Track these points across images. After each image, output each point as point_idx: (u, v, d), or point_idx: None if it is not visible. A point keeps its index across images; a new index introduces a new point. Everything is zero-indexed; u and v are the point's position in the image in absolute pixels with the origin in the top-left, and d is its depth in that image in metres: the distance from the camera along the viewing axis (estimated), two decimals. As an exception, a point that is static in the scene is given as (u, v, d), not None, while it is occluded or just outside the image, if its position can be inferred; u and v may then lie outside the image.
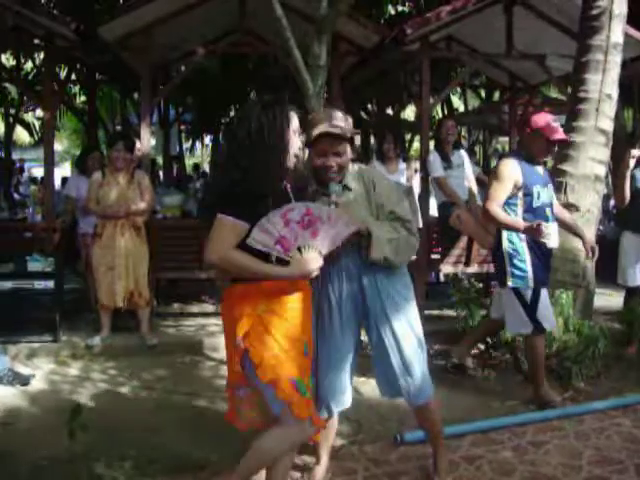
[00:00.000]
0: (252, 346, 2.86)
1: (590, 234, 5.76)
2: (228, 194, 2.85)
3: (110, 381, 5.50)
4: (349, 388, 3.54)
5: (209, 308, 7.24)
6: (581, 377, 5.18)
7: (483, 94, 16.53)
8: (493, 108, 13.26)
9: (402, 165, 6.71)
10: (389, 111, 14.76)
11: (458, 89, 17.22)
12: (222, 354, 6.12)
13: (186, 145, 22.04)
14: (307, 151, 3.32)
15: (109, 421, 4.54)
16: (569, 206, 5.66)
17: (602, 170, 5.84)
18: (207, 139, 22.62)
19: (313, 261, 2.89)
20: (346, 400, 3.54)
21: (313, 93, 4.76)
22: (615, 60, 5.83)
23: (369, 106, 14.85)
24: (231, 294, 2.98)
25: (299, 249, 2.89)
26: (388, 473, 3.78)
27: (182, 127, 19.71)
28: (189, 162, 24.60)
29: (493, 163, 15.13)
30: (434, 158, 6.64)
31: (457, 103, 19.45)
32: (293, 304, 2.97)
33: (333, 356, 3.40)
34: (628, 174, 5.75)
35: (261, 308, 2.88)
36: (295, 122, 2.97)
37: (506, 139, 16.47)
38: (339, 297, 3.37)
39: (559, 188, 5.70)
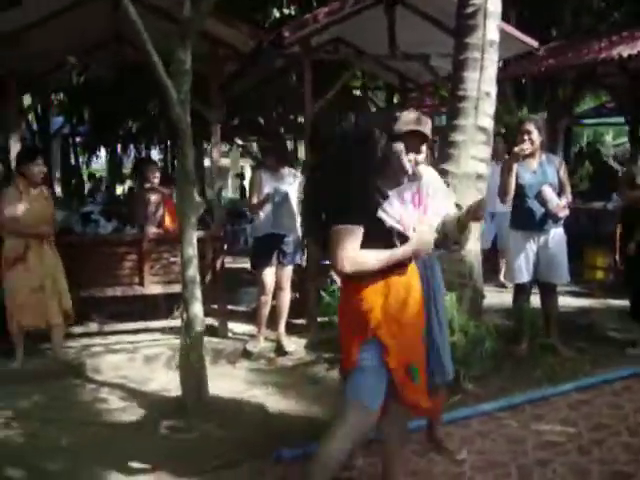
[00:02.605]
0: (383, 335, 3.06)
1: (475, 234, 5.73)
2: (337, 206, 3.04)
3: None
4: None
5: (92, 328, 6.89)
6: (469, 379, 5.10)
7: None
8: (393, 109, 13.32)
9: (286, 170, 6.53)
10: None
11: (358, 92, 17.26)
12: (105, 376, 5.86)
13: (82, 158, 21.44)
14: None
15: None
16: (452, 206, 5.61)
17: (484, 168, 5.81)
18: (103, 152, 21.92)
19: (428, 233, 3.17)
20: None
21: (177, 100, 4.53)
22: (492, 58, 5.81)
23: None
24: (356, 290, 3.12)
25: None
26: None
27: (77, 140, 19.13)
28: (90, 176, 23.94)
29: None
30: None
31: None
32: (412, 292, 3.20)
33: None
34: (514, 169, 5.70)
35: (388, 297, 3.09)
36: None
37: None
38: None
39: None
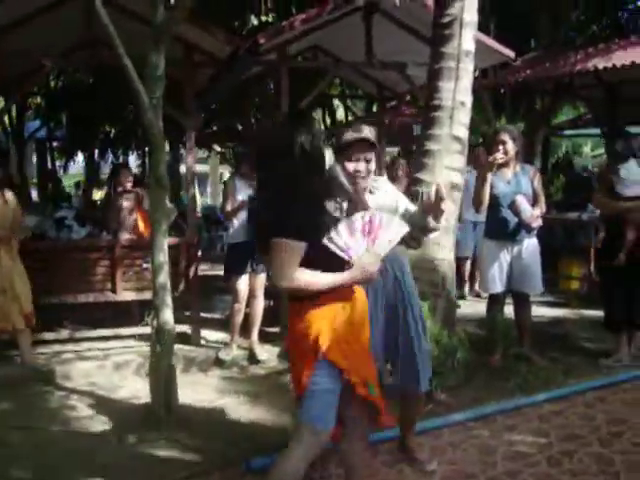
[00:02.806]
0: (335, 357, 2.98)
1: (449, 244, 5.73)
2: (283, 218, 2.90)
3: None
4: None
5: (64, 334, 6.81)
6: (441, 388, 5.08)
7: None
8: (371, 118, 13.33)
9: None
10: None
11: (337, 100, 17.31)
12: (75, 383, 5.79)
13: (59, 163, 21.26)
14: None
15: None
16: (427, 215, 5.59)
17: (459, 178, 5.78)
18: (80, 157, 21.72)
19: (373, 264, 3.03)
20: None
21: (149, 105, 4.48)
22: (467, 68, 5.80)
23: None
24: (301, 313, 3.04)
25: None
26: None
27: (54, 144, 18.96)
28: (69, 181, 23.76)
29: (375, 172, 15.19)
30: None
31: (342, 114, 19.55)
32: (358, 311, 3.12)
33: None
34: (489, 178, 5.70)
35: (334, 320, 3.01)
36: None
37: (394, 149, 16.79)
38: (382, 290, 3.73)
39: (416, 197, 5.63)
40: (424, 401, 4.07)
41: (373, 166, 3.57)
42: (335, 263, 3.00)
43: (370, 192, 3.68)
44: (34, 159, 19.17)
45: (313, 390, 2.98)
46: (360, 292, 3.21)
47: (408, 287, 3.84)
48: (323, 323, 3.00)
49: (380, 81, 9.28)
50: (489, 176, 5.67)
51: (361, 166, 3.51)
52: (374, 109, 14.32)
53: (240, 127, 14.55)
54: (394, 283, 3.78)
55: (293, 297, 3.09)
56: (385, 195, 3.72)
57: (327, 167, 3.19)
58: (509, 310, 6.14)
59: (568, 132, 18.27)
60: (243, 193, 6.33)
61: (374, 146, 3.51)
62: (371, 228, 3.06)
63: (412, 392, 3.84)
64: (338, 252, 2.97)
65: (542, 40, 13.48)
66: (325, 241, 2.95)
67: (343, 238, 3.00)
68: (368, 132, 3.53)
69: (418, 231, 3.54)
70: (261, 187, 3.20)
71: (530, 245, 5.82)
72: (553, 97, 12.52)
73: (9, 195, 5.97)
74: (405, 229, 3.14)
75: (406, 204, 3.75)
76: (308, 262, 2.91)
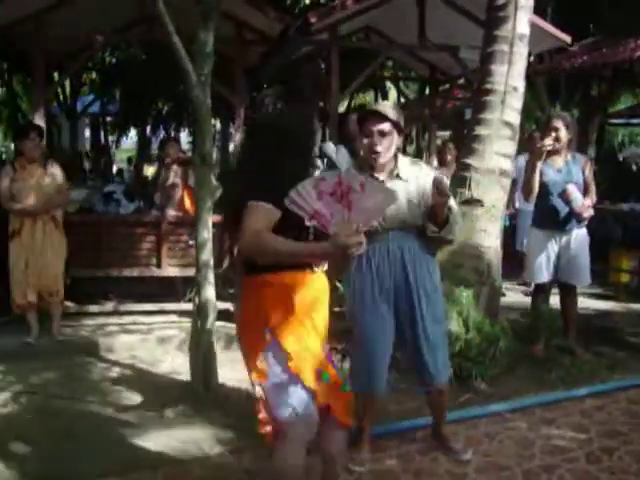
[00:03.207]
0: (284, 338, 2.76)
1: (496, 231, 5.64)
2: (258, 182, 2.74)
3: (-9, 387, 5.17)
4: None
5: (108, 307, 6.92)
6: (481, 378, 5.01)
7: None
8: (423, 101, 13.22)
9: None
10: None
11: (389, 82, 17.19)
12: (118, 355, 5.88)
13: (112, 138, 21.53)
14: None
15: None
16: (473, 201, 5.51)
17: (508, 164, 5.68)
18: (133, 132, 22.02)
19: (351, 237, 2.48)
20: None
21: (197, 82, 4.48)
22: (521, 52, 5.68)
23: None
24: (255, 284, 2.83)
25: None
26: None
27: (108, 119, 19.21)
28: (121, 155, 24.09)
29: (426, 157, 15.09)
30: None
31: (394, 97, 19.41)
32: (317, 295, 2.89)
33: (379, 338, 3.68)
34: (538, 165, 5.58)
35: (291, 299, 2.77)
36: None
37: (445, 133, 16.60)
38: (382, 279, 3.62)
39: (463, 182, 5.56)
40: (446, 395, 3.94)
41: (392, 143, 3.51)
42: (303, 230, 2.72)
43: (397, 176, 3.59)
44: (87, 134, 19.46)
45: (274, 381, 2.79)
46: (321, 273, 2.93)
47: (420, 283, 3.65)
48: (275, 302, 2.78)
49: (433, 64, 9.15)
50: (538, 164, 5.55)
51: (376, 140, 3.46)
52: (426, 92, 14.19)
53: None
54: (401, 275, 3.63)
55: (247, 268, 2.83)
56: (414, 182, 3.59)
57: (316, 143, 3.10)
58: (555, 300, 6.02)
59: (626, 120, 17.87)
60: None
61: (389, 120, 3.46)
62: (342, 191, 2.53)
63: (427, 386, 3.82)
64: (306, 219, 2.52)
65: (601, 25, 13.15)
66: (286, 201, 2.53)
67: (309, 200, 2.51)
68: (385, 107, 3.52)
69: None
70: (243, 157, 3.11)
71: (579, 235, 5.68)
72: (611, 84, 12.23)
73: (54, 169, 6.08)
74: (393, 199, 2.69)
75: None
76: (277, 229, 2.67)
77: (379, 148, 3.49)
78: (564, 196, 5.55)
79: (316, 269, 2.87)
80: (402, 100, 17.25)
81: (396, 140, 3.56)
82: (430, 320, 3.68)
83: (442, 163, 8.28)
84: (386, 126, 3.48)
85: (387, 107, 3.56)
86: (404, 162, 3.67)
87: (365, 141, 3.54)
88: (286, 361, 2.76)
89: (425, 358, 3.69)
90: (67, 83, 14.24)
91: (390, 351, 3.77)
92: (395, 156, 3.63)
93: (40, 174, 5.99)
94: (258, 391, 2.83)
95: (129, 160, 20.79)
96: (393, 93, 18.81)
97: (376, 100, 18.31)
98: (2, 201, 5.94)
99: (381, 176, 3.58)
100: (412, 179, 3.60)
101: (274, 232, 2.65)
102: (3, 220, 6.06)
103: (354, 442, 3.69)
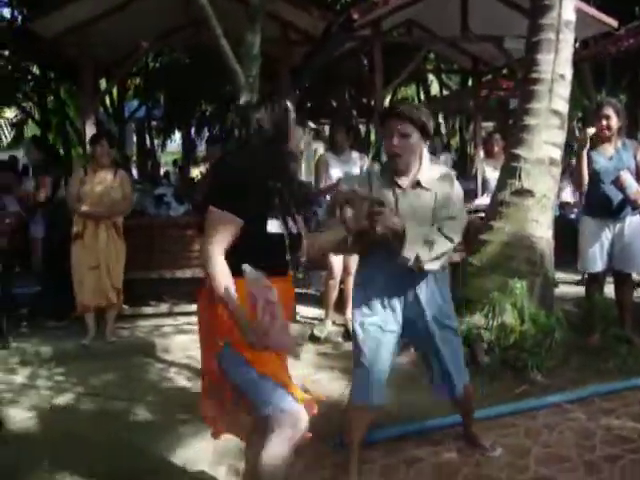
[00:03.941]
0: (240, 342, 2.69)
1: (547, 221, 5.59)
2: (226, 188, 2.75)
3: (54, 388, 5.31)
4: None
5: (162, 309, 7.04)
6: (537, 369, 4.98)
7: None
8: (466, 92, 13.12)
9: (355, 154, 6.49)
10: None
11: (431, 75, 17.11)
12: (174, 356, 5.99)
13: (157, 141, 21.80)
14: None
15: (40, 433, 4.38)
16: (524, 192, 5.48)
17: (557, 153, 5.64)
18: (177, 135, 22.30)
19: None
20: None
21: (245, 84, 4.54)
22: (567, 39, 5.64)
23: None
24: (211, 292, 2.77)
25: None
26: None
27: (153, 123, 19.46)
28: (166, 158, 24.36)
29: (471, 149, 15.00)
30: None
31: (436, 89, 19.31)
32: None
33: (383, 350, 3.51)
34: (584, 154, 5.53)
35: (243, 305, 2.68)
36: (293, 115, 2.98)
37: (489, 124, 16.46)
38: (392, 299, 3.49)
39: (513, 173, 5.53)
40: (472, 394, 3.80)
41: (415, 146, 3.34)
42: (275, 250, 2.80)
43: (420, 185, 3.40)
44: (134, 138, 19.77)
45: (247, 379, 2.77)
46: (284, 280, 2.91)
47: (431, 305, 3.51)
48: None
49: (476, 55, 9.09)
50: (584, 153, 5.50)
51: (395, 141, 3.30)
52: (469, 83, 14.10)
53: (334, 103, 14.56)
54: (412, 298, 3.50)
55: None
56: (438, 192, 3.41)
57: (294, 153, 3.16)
58: (609, 289, 5.95)
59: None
60: (336, 170, 6.32)
61: (411, 122, 3.28)
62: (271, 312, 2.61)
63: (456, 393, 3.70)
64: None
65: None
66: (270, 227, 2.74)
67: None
68: (409, 108, 3.37)
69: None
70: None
71: (633, 222, 5.60)
72: (659, 67, 12.00)
73: (123, 176, 6.29)
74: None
75: (452, 213, 3.41)
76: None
77: (398, 150, 3.33)
78: (618, 183, 5.47)
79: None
80: (445, 92, 17.20)
81: (419, 144, 3.38)
82: (444, 343, 3.57)
83: (489, 155, 8.23)
84: (407, 127, 3.29)
85: (411, 108, 3.38)
86: (429, 169, 3.47)
87: (386, 142, 3.40)
88: (249, 362, 2.73)
89: (439, 373, 3.65)
90: (114, 90, 14.47)
91: (390, 363, 3.59)
92: (420, 161, 3.45)
93: (109, 180, 6.18)
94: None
95: (174, 162, 21.02)
96: (435, 86, 18.74)
97: (418, 93, 18.25)
98: (69, 202, 6.15)
99: (404, 182, 3.43)
100: (436, 188, 3.42)
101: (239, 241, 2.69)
102: (67, 225, 6.24)
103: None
